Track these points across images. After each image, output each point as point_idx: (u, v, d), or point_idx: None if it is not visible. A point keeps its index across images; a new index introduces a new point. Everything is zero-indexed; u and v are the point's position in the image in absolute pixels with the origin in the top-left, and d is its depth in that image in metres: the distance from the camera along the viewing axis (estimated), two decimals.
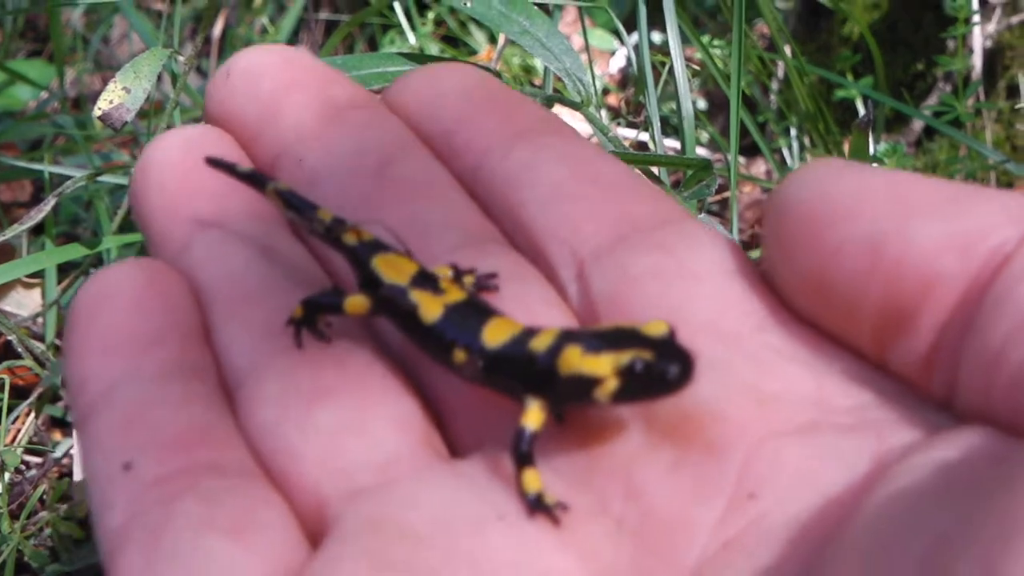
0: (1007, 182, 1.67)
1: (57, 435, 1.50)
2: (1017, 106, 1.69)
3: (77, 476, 1.39)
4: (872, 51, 1.69)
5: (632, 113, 1.90)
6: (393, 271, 0.77)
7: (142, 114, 1.61)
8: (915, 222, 0.65)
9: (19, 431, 1.44)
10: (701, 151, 1.89)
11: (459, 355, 0.73)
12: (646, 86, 1.37)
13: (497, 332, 0.72)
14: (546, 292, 0.81)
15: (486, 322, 0.73)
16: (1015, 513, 0.50)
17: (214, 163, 0.86)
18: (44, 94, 2.12)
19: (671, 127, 1.75)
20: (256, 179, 0.85)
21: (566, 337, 0.70)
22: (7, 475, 1.30)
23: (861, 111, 1.71)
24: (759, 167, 1.93)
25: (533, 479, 0.68)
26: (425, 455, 0.74)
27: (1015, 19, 1.73)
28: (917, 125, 1.81)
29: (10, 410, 1.38)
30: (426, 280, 0.77)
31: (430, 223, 0.86)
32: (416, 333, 0.76)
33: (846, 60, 1.77)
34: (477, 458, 0.74)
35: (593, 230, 0.81)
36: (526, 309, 0.78)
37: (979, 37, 1.72)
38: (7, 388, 1.34)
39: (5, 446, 1.31)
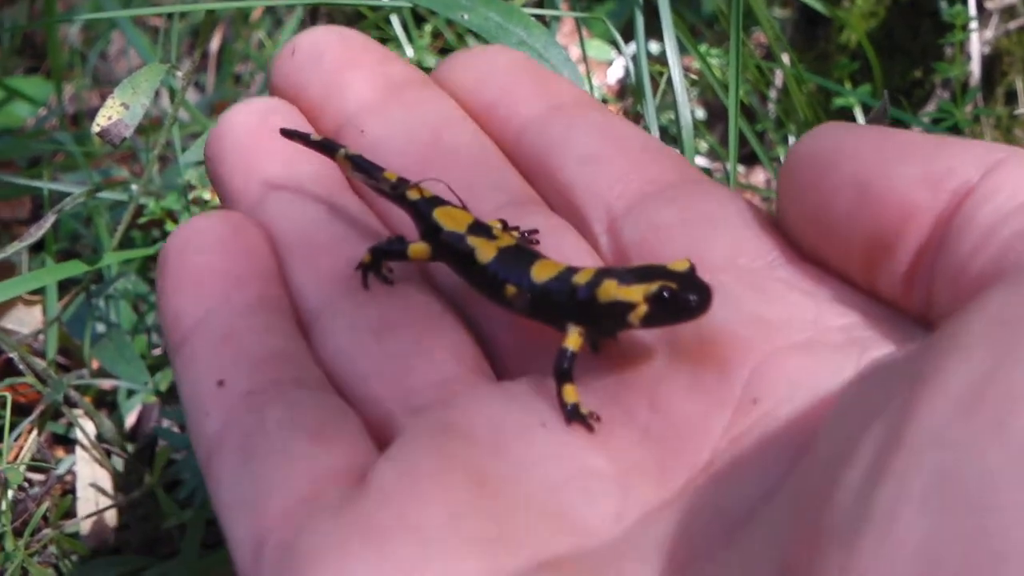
0: None
1: (60, 452, 1.50)
2: (1016, 112, 1.69)
3: (80, 493, 1.39)
4: (870, 59, 1.69)
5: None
6: (452, 221, 0.91)
7: (140, 130, 1.61)
8: (895, 165, 0.76)
9: (21, 448, 1.44)
10: (700, 160, 1.89)
11: (510, 290, 0.85)
12: (644, 96, 1.37)
13: (543, 270, 0.85)
14: (580, 244, 0.94)
15: (534, 262, 0.86)
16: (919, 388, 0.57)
17: (288, 134, 0.98)
18: (42, 111, 2.12)
19: (670, 136, 1.75)
20: (328, 146, 0.98)
21: (603, 273, 0.82)
22: (10, 492, 1.30)
23: (860, 119, 1.71)
24: (758, 176, 1.93)
25: (571, 393, 0.80)
26: (477, 378, 0.87)
27: (1013, 25, 1.73)
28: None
29: (12, 427, 1.38)
30: (480, 228, 0.90)
31: (477, 186, 0.98)
32: (472, 273, 0.89)
33: (844, 68, 1.77)
34: (522, 381, 0.86)
35: (622, 189, 0.94)
36: (562, 258, 0.89)
37: (977, 43, 1.72)
38: (9, 405, 1.34)
39: (8, 464, 1.31)
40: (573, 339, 0.82)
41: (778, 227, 0.88)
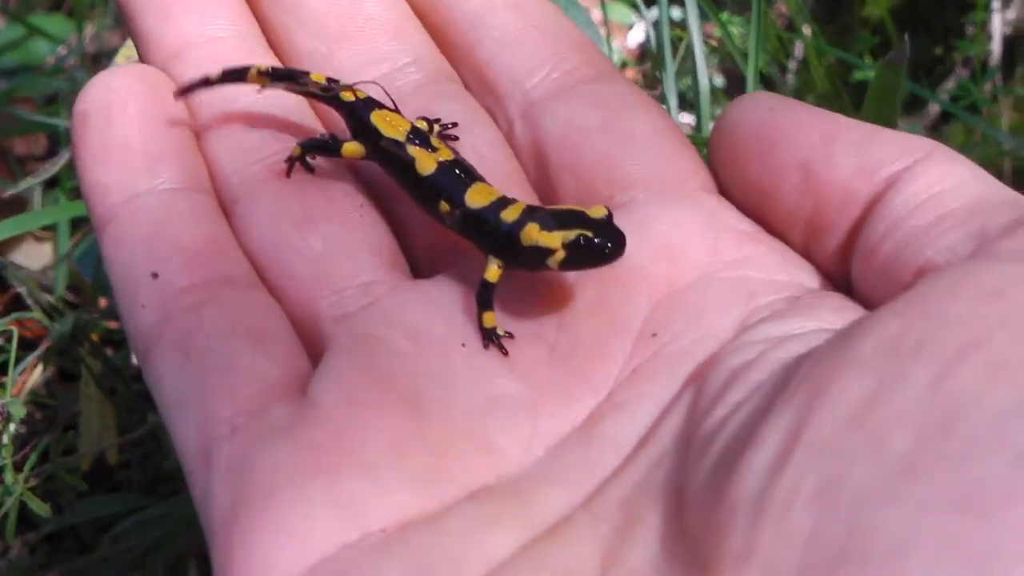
0: (1022, 168, 1.66)
1: (65, 389, 1.51)
2: None
3: (82, 430, 1.40)
4: (891, 34, 1.69)
5: (649, 87, 1.90)
6: (389, 127, 0.92)
7: None
8: (838, 153, 0.82)
9: (25, 383, 1.44)
10: None
11: (444, 206, 0.88)
12: (664, 61, 1.37)
13: (478, 196, 0.88)
14: (494, 135, 0.97)
15: (470, 185, 0.88)
16: (822, 380, 0.63)
17: (186, 89, 0.94)
18: (62, 49, 2.12)
19: (688, 103, 1.75)
20: (234, 74, 0.94)
21: (528, 213, 0.85)
22: (12, 426, 1.30)
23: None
24: None
25: (490, 318, 0.85)
26: (397, 277, 0.90)
27: None
28: (934, 109, 1.80)
29: (18, 361, 1.38)
30: (419, 136, 0.91)
31: (396, 62, 0.99)
32: (408, 181, 0.91)
33: (865, 42, 1.76)
34: (440, 281, 0.90)
35: (542, 76, 0.96)
36: (475, 151, 0.94)
37: (999, 24, 1.72)
38: (15, 340, 1.34)
39: (12, 397, 1.31)
40: (492, 271, 0.86)
41: (691, 149, 0.94)
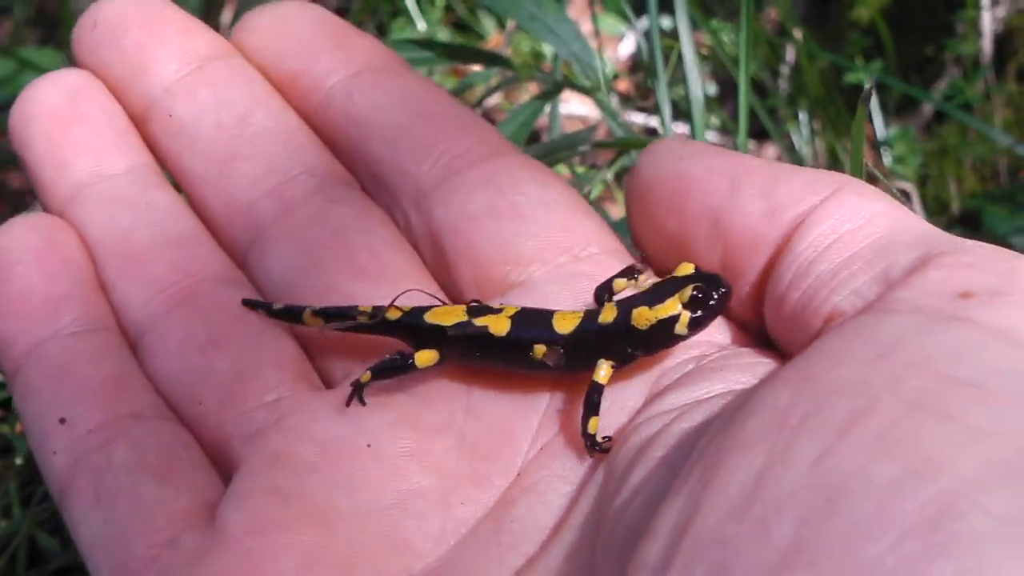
0: (1016, 165, 1.67)
1: None
2: None
3: None
4: (882, 35, 1.69)
5: (642, 98, 1.90)
6: (449, 316, 0.89)
7: None
8: (744, 198, 0.80)
9: None
10: (711, 136, 1.88)
11: (540, 350, 0.85)
12: (656, 71, 1.37)
13: (565, 323, 0.86)
14: (389, 233, 0.96)
15: (551, 318, 0.86)
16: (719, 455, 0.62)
17: (250, 304, 0.94)
18: None
19: (681, 112, 1.75)
20: (292, 312, 0.93)
21: (625, 304, 0.84)
22: (18, 460, 1.30)
23: (872, 95, 1.71)
24: (769, 151, 1.93)
25: (594, 424, 0.82)
26: (305, 391, 0.90)
27: None
28: (927, 109, 1.80)
29: None
30: (477, 309, 0.89)
31: (288, 171, 0.98)
32: (495, 351, 0.87)
33: (856, 44, 1.76)
34: (347, 387, 0.88)
35: (431, 164, 0.95)
36: (370, 252, 0.94)
37: (989, 21, 1.72)
38: None
39: (16, 432, 1.31)
40: (603, 374, 0.83)
41: (588, 214, 0.94)
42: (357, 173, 1.00)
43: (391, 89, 1.00)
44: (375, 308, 0.91)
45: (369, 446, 0.84)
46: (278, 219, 0.96)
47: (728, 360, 0.80)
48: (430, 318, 0.90)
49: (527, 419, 0.84)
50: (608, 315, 0.84)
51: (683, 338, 0.83)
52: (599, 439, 0.82)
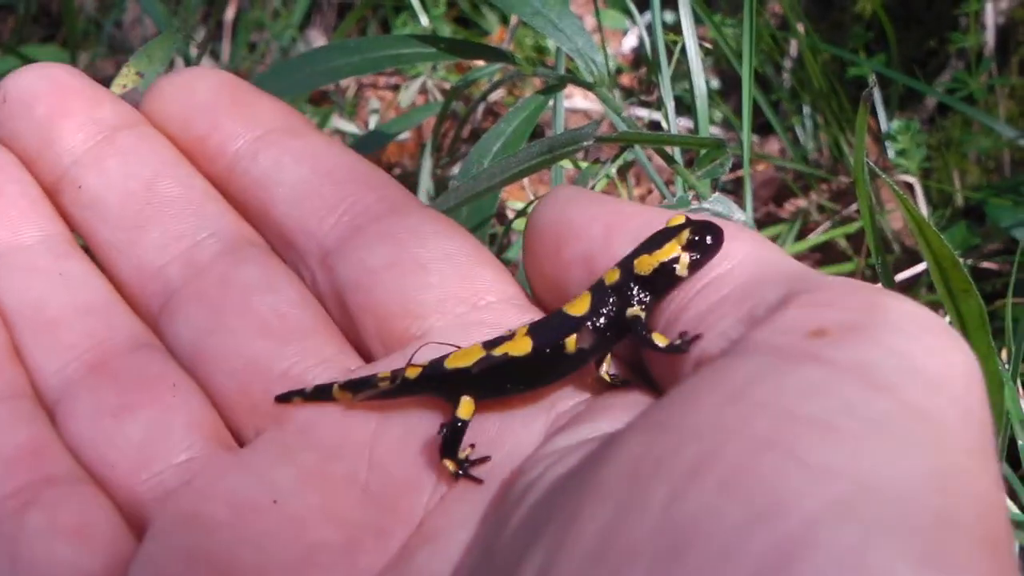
0: (1020, 158, 1.67)
1: None
2: None
3: None
4: (885, 28, 1.69)
5: (645, 93, 1.90)
6: (467, 357, 0.88)
7: None
8: (616, 244, 0.83)
9: None
10: (715, 130, 1.89)
11: (571, 344, 0.85)
12: (659, 66, 1.37)
13: (577, 307, 0.85)
14: (295, 292, 0.97)
15: (562, 313, 0.86)
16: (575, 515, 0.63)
17: (283, 398, 0.94)
18: None
19: (684, 106, 1.76)
20: (322, 392, 0.93)
21: (625, 259, 0.84)
22: None
23: (875, 89, 1.71)
24: (772, 146, 1.93)
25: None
26: (215, 449, 0.90)
27: None
28: (931, 102, 1.80)
29: None
30: (492, 341, 0.88)
31: (196, 235, 0.99)
32: (525, 372, 0.87)
33: (859, 38, 1.76)
34: (257, 444, 0.91)
35: (333, 222, 0.97)
36: (276, 313, 0.95)
37: (992, 13, 1.72)
38: None
39: None
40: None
41: (488, 263, 0.95)
42: (265, 233, 1.01)
43: (294, 149, 1.01)
44: (393, 372, 0.91)
45: (275, 502, 0.85)
46: (187, 282, 0.97)
47: (616, 399, 0.82)
48: (452, 362, 0.89)
49: (429, 469, 0.86)
50: (612, 276, 0.85)
51: (683, 279, 0.83)
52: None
